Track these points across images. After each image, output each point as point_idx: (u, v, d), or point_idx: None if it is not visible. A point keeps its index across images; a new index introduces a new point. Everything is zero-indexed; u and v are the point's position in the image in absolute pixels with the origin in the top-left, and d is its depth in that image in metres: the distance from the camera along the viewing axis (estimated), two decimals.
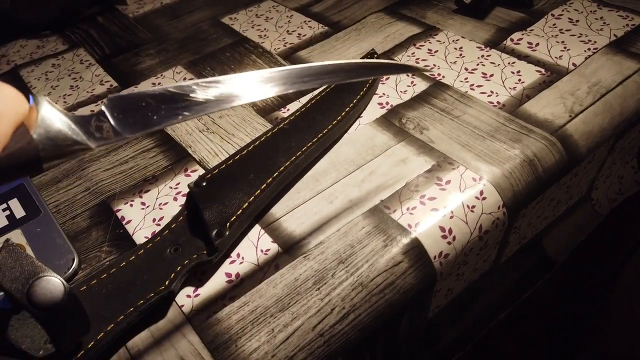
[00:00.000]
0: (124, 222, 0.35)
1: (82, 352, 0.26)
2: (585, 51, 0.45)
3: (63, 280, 0.24)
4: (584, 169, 0.41)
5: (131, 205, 0.36)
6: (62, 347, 0.24)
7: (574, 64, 0.44)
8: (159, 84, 0.49)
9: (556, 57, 0.45)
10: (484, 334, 0.45)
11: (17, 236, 0.32)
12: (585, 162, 0.40)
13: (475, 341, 0.44)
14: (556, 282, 0.50)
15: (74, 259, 0.31)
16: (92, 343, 0.26)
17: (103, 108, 0.22)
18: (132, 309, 0.28)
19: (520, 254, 0.42)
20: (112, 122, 0.22)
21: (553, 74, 0.43)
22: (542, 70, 0.44)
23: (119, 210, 0.36)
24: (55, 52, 0.56)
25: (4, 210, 0.34)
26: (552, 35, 0.48)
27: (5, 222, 0.33)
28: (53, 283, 0.24)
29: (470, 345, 0.44)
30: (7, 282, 0.23)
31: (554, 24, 0.50)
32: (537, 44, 0.47)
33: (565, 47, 0.46)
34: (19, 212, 0.34)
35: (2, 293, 0.28)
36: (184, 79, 0.49)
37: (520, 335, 0.62)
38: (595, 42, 0.47)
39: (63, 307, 0.23)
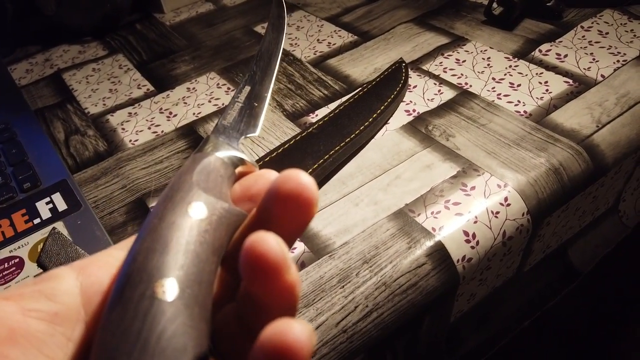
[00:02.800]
0: None
1: None
2: (614, 63, 0.46)
3: None
4: (611, 180, 0.41)
5: None
6: None
7: (602, 76, 0.44)
8: (194, 89, 0.50)
9: (585, 69, 0.45)
10: (506, 342, 0.45)
11: (59, 227, 0.34)
12: (612, 173, 0.40)
13: (497, 349, 0.44)
14: (581, 293, 0.50)
15: None
16: None
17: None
18: None
19: (544, 262, 0.42)
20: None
21: (581, 84, 0.44)
22: (570, 81, 0.44)
23: (153, 207, 0.37)
24: (95, 57, 0.59)
25: (47, 203, 0.36)
26: (581, 47, 0.48)
27: (49, 215, 0.35)
28: None
29: (492, 353, 0.45)
30: (53, 267, 0.25)
31: (583, 36, 0.50)
32: (566, 55, 0.47)
33: (594, 59, 0.46)
34: (62, 205, 0.36)
35: None
36: (217, 84, 0.51)
37: (543, 346, 0.62)
38: (624, 54, 0.47)
39: None
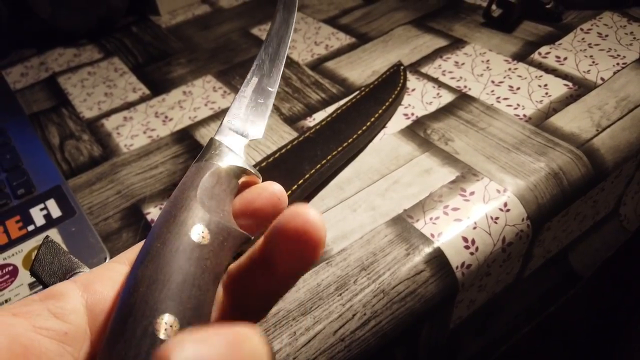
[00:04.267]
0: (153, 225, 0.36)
1: None
2: (614, 66, 0.45)
3: None
4: (611, 184, 0.41)
5: (160, 208, 0.37)
6: None
7: (602, 79, 0.44)
8: (190, 92, 0.50)
9: (584, 72, 0.45)
10: (506, 348, 0.44)
11: (53, 234, 0.33)
12: (612, 177, 0.40)
13: (497, 355, 0.44)
14: (582, 298, 0.50)
15: (106, 258, 0.32)
16: None
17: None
18: None
19: (545, 268, 0.41)
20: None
21: (581, 87, 0.43)
22: (570, 84, 0.44)
23: (148, 213, 0.37)
24: (91, 60, 0.58)
25: (41, 209, 0.35)
26: (581, 50, 0.48)
27: (43, 221, 0.34)
28: None
29: (492, 359, 0.44)
30: (46, 277, 0.24)
31: (583, 38, 0.50)
32: (565, 58, 0.47)
33: (593, 62, 0.46)
34: (56, 212, 0.35)
35: (40, 287, 0.30)
36: (214, 88, 0.50)
37: (544, 351, 0.61)
38: (624, 56, 0.46)
39: None
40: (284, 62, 0.25)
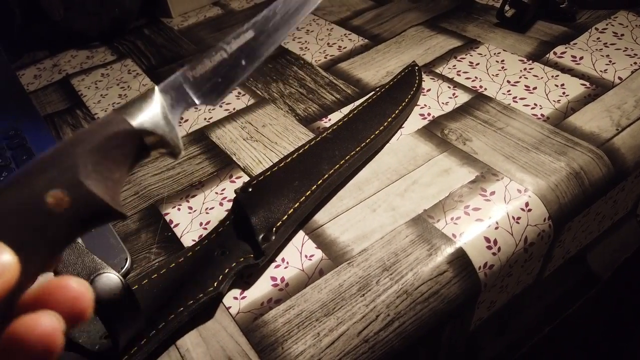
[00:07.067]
0: (172, 225, 0.36)
1: (136, 348, 0.26)
2: (631, 65, 0.45)
3: (121, 277, 0.25)
4: (631, 184, 0.40)
5: (179, 209, 0.37)
6: (118, 342, 0.25)
7: (619, 78, 0.44)
8: None
9: (601, 71, 0.45)
10: (526, 349, 0.44)
11: None
12: (632, 177, 0.39)
13: (517, 356, 0.44)
14: (600, 299, 0.49)
15: (126, 259, 0.32)
16: (145, 339, 0.27)
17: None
18: (182, 309, 0.28)
19: (564, 268, 0.41)
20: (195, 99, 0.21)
21: (598, 87, 0.43)
22: (587, 84, 0.44)
23: (167, 213, 0.37)
24: (104, 62, 0.58)
25: None
26: (597, 49, 0.48)
27: None
28: (112, 279, 0.25)
29: None
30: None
31: (598, 38, 0.49)
32: (581, 58, 0.47)
33: (610, 61, 0.46)
34: None
35: None
36: None
37: (563, 352, 0.61)
38: None
39: (121, 303, 0.24)
40: (295, 27, 0.21)
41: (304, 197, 0.34)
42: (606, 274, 0.46)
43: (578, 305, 0.45)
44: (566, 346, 0.60)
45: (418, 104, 0.44)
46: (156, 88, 0.20)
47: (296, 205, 0.33)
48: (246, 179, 0.39)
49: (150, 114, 0.20)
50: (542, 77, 0.45)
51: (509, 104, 0.43)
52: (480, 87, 0.45)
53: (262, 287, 0.31)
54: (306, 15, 0.23)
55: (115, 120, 0.19)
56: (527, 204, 0.34)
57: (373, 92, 0.44)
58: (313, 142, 0.39)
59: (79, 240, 0.33)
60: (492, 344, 0.40)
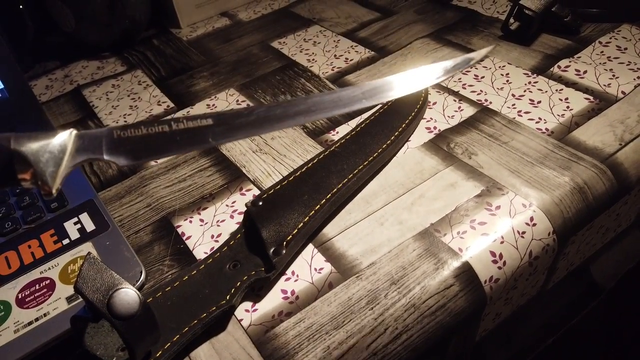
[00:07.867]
0: (184, 238, 0.37)
1: None
2: (634, 79, 0.46)
3: (138, 292, 0.26)
4: (634, 197, 0.41)
5: (190, 221, 0.38)
6: (135, 355, 0.26)
7: (623, 92, 0.44)
8: (214, 105, 0.51)
9: (605, 85, 0.46)
10: (531, 359, 0.45)
11: (88, 248, 0.34)
12: (635, 190, 0.40)
13: None
14: (604, 309, 0.50)
15: (141, 272, 0.33)
16: (159, 352, 0.28)
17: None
18: (196, 321, 0.29)
19: (567, 280, 0.42)
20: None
21: (602, 101, 0.44)
22: (591, 98, 0.44)
23: (179, 226, 0.38)
24: (114, 72, 0.59)
25: (75, 223, 0.36)
26: (600, 63, 0.48)
27: (77, 235, 0.35)
28: (130, 294, 0.25)
29: None
30: (90, 293, 0.25)
31: (602, 52, 0.50)
32: (585, 72, 0.48)
33: (613, 75, 0.47)
34: (89, 225, 0.36)
35: (79, 300, 0.30)
36: (237, 101, 0.51)
37: None
38: None
39: (138, 317, 0.25)
40: (266, 133, 0.20)
41: (313, 212, 0.35)
42: (609, 285, 0.47)
43: (582, 316, 0.46)
44: (570, 356, 0.61)
45: (424, 117, 0.45)
46: (74, 131, 0.20)
47: (306, 220, 0.34)
48: (256, 191, 0.40)
49: (38, 145, 0.19)
50: (546, 91, 0.46)
51: (514, 117, 0.43)
52: (486, 100, 0.46)
53: (273, 300, 0.32)
54: (285, 128, 0.22)
55: (1, 137, 0.19)
56: (532, 219, 0.35)
57: (380, 106, 0.45)
58: (322, 156, 0.39)
59: (92, 253, 0.34)
60: (498, 354, 0.41)
